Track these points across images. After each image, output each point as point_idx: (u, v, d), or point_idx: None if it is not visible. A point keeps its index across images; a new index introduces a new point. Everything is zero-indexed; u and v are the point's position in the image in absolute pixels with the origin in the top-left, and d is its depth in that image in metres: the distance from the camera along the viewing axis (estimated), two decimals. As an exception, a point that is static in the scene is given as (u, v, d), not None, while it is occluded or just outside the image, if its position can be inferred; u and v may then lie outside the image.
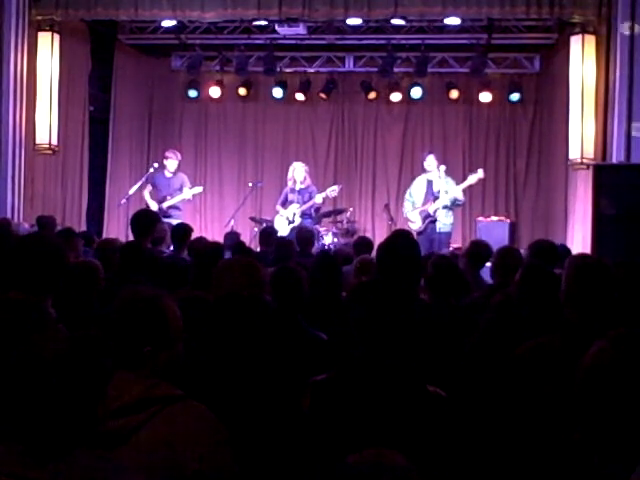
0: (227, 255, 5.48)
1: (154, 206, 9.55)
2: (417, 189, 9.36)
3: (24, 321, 2.62)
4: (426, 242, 8.70)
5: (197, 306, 3.22)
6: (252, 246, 8.34)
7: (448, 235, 9.20)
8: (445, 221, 9.11)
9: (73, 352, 1.64)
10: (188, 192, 9.84)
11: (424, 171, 9.41)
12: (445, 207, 9.08)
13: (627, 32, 8.45)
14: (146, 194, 9.98)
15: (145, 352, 2.06)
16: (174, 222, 8.49)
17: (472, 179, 9.22)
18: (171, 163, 9.92)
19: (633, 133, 8.37)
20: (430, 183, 9.20)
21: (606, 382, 1.60)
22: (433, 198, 9.13)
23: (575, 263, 2.85)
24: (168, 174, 9.92)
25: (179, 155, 10.10)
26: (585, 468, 1.64)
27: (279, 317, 3.58)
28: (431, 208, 9.10)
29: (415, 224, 9.20)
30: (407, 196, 9.53)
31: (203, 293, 3.66)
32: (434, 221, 9.08)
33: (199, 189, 10.12)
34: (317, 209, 9.86)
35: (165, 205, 9.64)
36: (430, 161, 9.27)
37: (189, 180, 10.11)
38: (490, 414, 2.81)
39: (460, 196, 9.15)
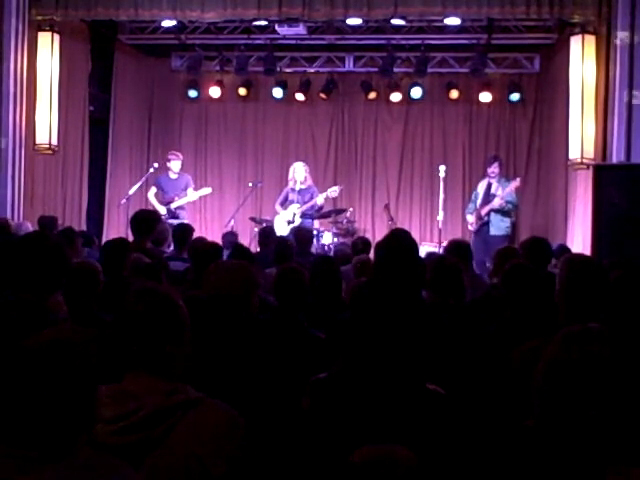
0: (225, 254, 5.49)
1: (161, 209, 9.64)
2: (480, 191, 9.82)
3: (26, 320, 2.63)
4: (481, 243, 9.26)
5: (194, 306, 3.21)
6: (252, 246, 8.35)
7: (503, 238, 9.36)
8: (498, 224, 9.50)
9: (64, 348, 1.62)
10: (195, 193, 9.94)
11: (486, 175, 9.97)
12: (498, 211, 9.49)
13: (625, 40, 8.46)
14: (151, 197, 10.07)
15: (166, 350, 2.00)
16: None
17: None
18: (175, 164, 10.07)
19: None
20: (489, 186, 9.69)
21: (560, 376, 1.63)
22: (488, 201, 9.62)
23: (569, 264, 2.84)
24: (173, 175, 10.05)
25: (181, 155, 10.22)
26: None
27: (281, 316, 3.60)
28: (483, 211, 9.60)
29: (471, 225, 9.79)
30: (472, 197, 10.03)
31: (200, 292, 3.65)
32: (487, 223, 9.54)
33: (207, 190, 10.18)
34: (319, 209, 9.88)
35: (173, 206, 9.73)
36: (494, 168, 9.78)
37: (192, 180, 10.29)
38: (488, 413, 2.81)
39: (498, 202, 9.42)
